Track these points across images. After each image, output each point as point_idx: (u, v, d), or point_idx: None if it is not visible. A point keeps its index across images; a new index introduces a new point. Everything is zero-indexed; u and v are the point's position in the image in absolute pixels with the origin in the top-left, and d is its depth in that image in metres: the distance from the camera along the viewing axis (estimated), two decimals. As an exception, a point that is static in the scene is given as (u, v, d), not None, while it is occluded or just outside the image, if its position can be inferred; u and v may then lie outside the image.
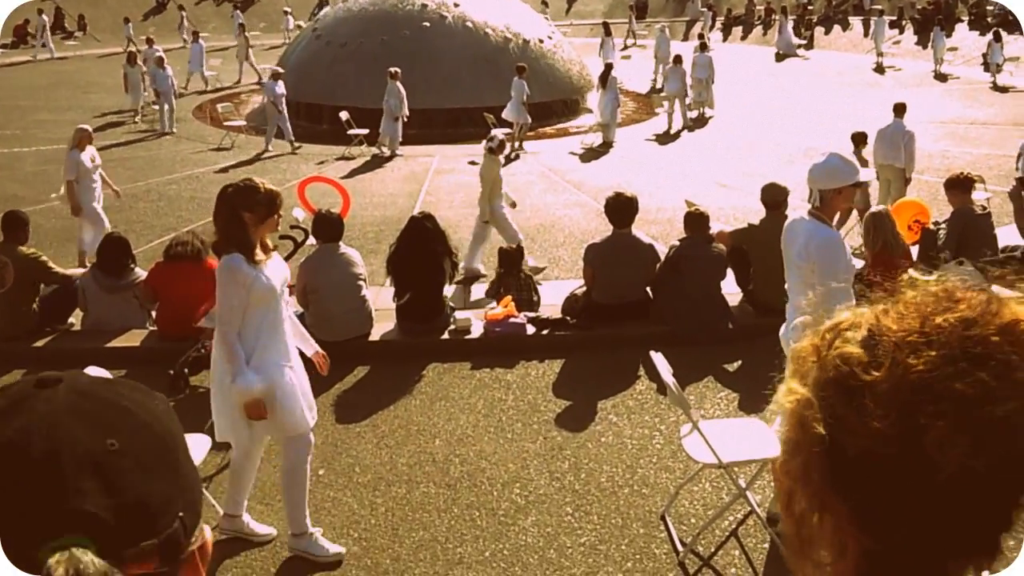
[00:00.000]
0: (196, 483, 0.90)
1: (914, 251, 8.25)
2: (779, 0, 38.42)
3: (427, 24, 19.84)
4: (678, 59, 19.40)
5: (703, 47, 21.15)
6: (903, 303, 0.91)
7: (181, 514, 0.83)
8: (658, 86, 24.27)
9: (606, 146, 17.18)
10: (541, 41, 20.73)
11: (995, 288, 0.94)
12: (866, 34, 32.19)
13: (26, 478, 0.75)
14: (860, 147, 10.66)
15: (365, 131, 16.57)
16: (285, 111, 16.69)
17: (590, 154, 16.64)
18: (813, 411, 0.89)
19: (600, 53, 25.39)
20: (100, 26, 35.70)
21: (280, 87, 16.63)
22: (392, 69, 16.40)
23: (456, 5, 20.50)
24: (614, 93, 17.36)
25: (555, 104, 19.94)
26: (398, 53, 18.74)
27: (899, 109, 11.62)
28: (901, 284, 0.94)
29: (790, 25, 32.33)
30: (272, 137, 16.80)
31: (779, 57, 30.51)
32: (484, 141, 10.06)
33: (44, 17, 30.77)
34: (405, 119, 16.53)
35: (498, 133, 10.45)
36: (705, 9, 36.82)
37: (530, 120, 17.05)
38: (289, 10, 35.30)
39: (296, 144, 16.77)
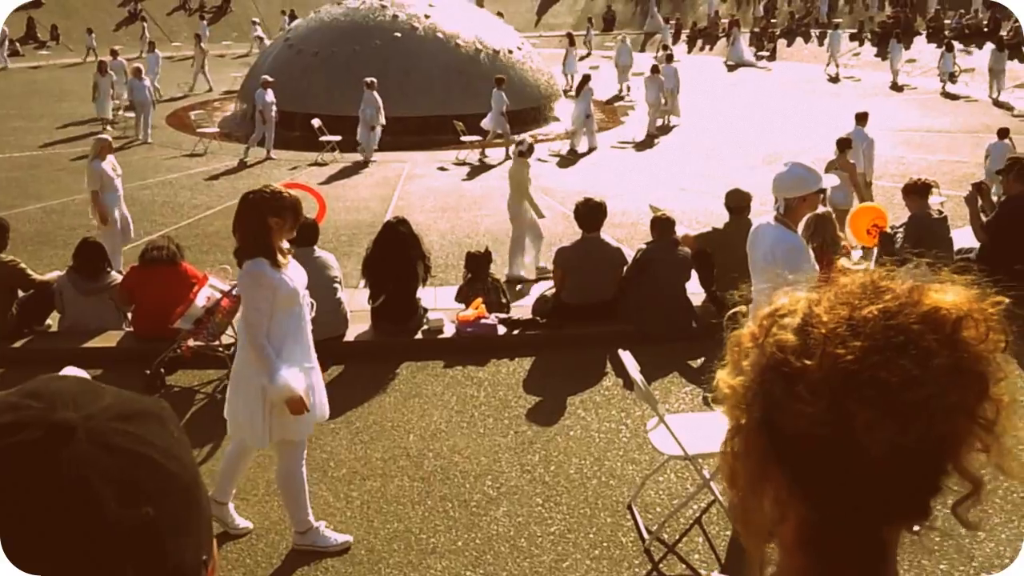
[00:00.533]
0: (210, 514, 0.85)
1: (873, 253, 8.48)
2: (742, 12, 39.02)
3: (398, 34, 19.91)
4: (655, 69, 19.70)
5: (669, 58, 21.44)
6: (834, 291, 0.96)
7: (205, 557, 0.79)
8: (623, 94, 24.60)
9: (573, 153, 17.33)
10: (511, 52, 20.87)
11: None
12: (807, 42, 32.86)
13: (65, 565, 0.69)
14: (845, 152, 10.87)
15: (337, 138, 16.60)
16: (272, 120, 16.52)
17: (558, 161, 16.77)
18: (752, 393, 0.94)
19: (564, 64, 25.59)
20: (73, 36, 35.28)
21: (269, 95, 16.48)
22: (368, 79, 16.43)
23: (427, 16, 20.59)
24: (586, 103, 17.53)
25: (524, 113, 20.02)
26: (370, 62, 18.77)
27: (861, 118, 11.92)
28: (834, 272, 1.00)
29: (744, 38, 32.76)
30: (271, 143, 16.66)
31: (731, 67, 30.93)
32: (514, 145, 10.24)
33: (3, 28, 30.35)
34: (381, 127, 16.54)
35: (527, 137, 10.60)
36: (664, 22, 37.26)
37: (509, 130, 17.15)
38: (257, 20, 35.22)
39: (271, 156, 16.68)
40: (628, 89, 24.45)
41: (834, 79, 28.09)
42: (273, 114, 16.49)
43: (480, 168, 16.17)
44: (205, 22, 35.38)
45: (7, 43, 30.69)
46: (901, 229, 8.62)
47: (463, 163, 16.43)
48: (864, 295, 0.93)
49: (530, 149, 10.16)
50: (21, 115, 21.10)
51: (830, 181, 5.21)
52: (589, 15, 38.79)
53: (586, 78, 18.09)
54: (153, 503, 0.73)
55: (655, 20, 38.48)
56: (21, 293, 7.50)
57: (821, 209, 8.10)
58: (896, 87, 26.09)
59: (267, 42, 27.05)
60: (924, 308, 0.91)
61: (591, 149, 17.48)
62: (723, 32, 36.44)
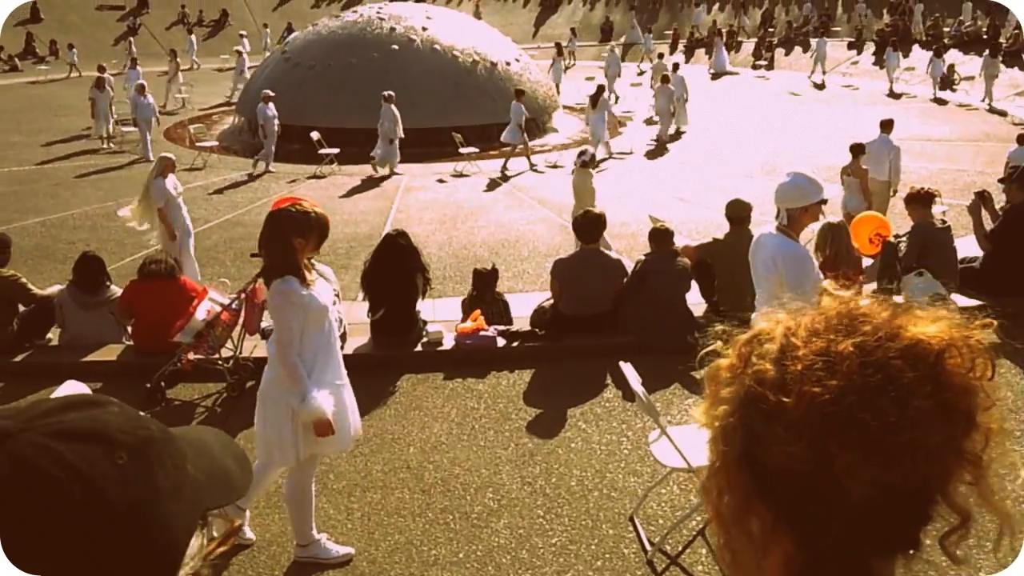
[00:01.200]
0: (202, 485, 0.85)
1: (871, 263, 8.50)
2: (739, 22, 39.20)
3: (395, 47, 20.00)
4: (665, 79, 19.90)
5: (675, 67, 21.74)
6: (812, 318, 0.93)
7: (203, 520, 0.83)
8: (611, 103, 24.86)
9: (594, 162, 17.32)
10: (508, 64, 20.97)
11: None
12: (805, 51, 33.13)
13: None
14: (858, 158, 10.94)
15: (335, 151, 16.66)
16: (274, 134, 16.54)
17: (553, 172, 16.83)
18: (732, 427, 0.92)
19: (550, 72, 25.75)
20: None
21: (271, 109, 16.51)
22: (385, 93, 16.45)
23: (424, 29, 20.70)
24: (603, 113, 17.64)
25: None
26: (367, 75, 18.88)
27: (886, 125, 11.86)
28: (817, 293, 0.98)
29: (748, 45, 33.06)
30: (271, 157, 16.70)
31: (714, 76, 31.11)
32: (576, 155, 10.30)
33: None
34: (400, 139, 16.52)
35: (588, 147, 10.65)
36: (643, 33, 37.59)
37: (528, 142, 17.24)
38: (244, 34, 35.45)
39: (270, 170, 16.69)
40: (616, 99, 24.75)
41: (820, 86, 28.31)
42: (275, 128, 16.51)
43: (479, 180, 16.21)
44: (193, 36, 35.53)
45: None
46: (904, 238, 8.65)
47: (461, 175, 16.48)
48: (840, 327, 0.90)
49: (592, 159, 10.21)
50: (20, 130, 21.19)
51: (831, 191, 5.22)
52: (572, 26, 39.05)
53: (600, 89, 18.23)
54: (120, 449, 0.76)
55: (635, 31, 38.99)
56: (22, 307, 7.53)
57: (835, 219, 8.16)
58: (893, 94, 26.23)
59: (245, 57, 26.98)
60: (904, 341, 0.87)
61: (605, 158, 17.64)
62: (704, 41, 36.70)
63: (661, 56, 27.07)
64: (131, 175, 16.52)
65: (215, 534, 0.87)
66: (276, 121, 16.54)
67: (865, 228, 8.98)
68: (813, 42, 31.67)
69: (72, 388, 4.30)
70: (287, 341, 4.11)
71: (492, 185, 15.77)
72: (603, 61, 27.04)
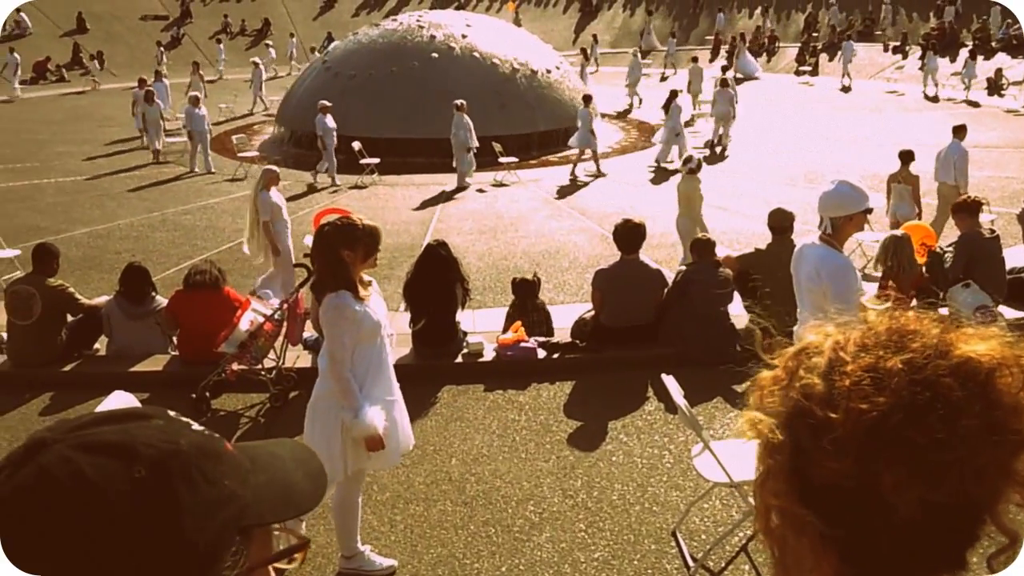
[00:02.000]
0: (226, 494, 0.84)
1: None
2: (782, 27, 38.87)
3: (435, 55, 20.14)
4: (724, 82, 19.83)
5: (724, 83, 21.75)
6: (863, 331, 0.93)
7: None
8: (631, 108, 25.26)
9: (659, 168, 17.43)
10: (548, 71, 21.01)
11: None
12: (807, 55, 32.85)
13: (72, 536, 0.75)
14: (908, 165, 10.85)
15: (376, 160, 16.82)
16: (332, 146, 16.53)
17: (593, 181, 16.82)
18: (779, 440, 0.92)
19: (581, 76, 25.85)
20: (116, 61, 36.24)
21: (329, 121, 16.43)
22: (457, 102, 16.50)
23: (464, 36, 20.81)
24: (676, 120, 17.84)
25: (560, 133, 20.16)
26: (407, 84, 19.03)
27: (958, 130, 11.78)
28: (862, 309, 0.99)
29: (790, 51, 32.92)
30: (334, 168, 16.71)
31: (739, 80, 30.93)
32: (682, 163, 10.30)
33: (16, 56, 31.20)
34: (475, 149, 16.56)
35: (695, 154, 10.67)
36: (657, 41, 37.55)
37: (597, 146, 17.38)
38: (270, 44, 35.89)
39: (334, 185, 16.70)
40: (640, 102, 25.19)
41: (846, 89, 28.07)
42: (334, 139, 16.48)
43: (518, 190, 16.26)
44: (222, 45, 36.00)
45: (18, 71, 31.14)
46: (951, 248, 8.54)
47: (500, 184, 16.54)
48: (890, 343, 0.90)
49: (699, 165, 10.21)
50: (66, 140, 21.69)
51: (876, 200, 5.16)
52: (593, 32, 39.14)
53: (673, 94, 18.28)
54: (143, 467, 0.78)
55: (650, 38, 39.30)
56: (70, 317, 7.71)
57: (898, 231, 8.09)
58: (930, 98, 26.00)
59: (262, 68, 27.30)
60: (954, 359, 0.87)
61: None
62: (761, 47, 36.44)
63: (695, 60, 27.04)
64: (173, 185, 16.85)
65: (280, 547, 0.89)
66: (335, 132, 16.52)
67: (912, 238, 8.88)
68: (841, 46, 31.52)
69: (120, 398, 4.42)
70: (340, 356, 4.13)
71: (562, 191, 15.85)
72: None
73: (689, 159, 10.35)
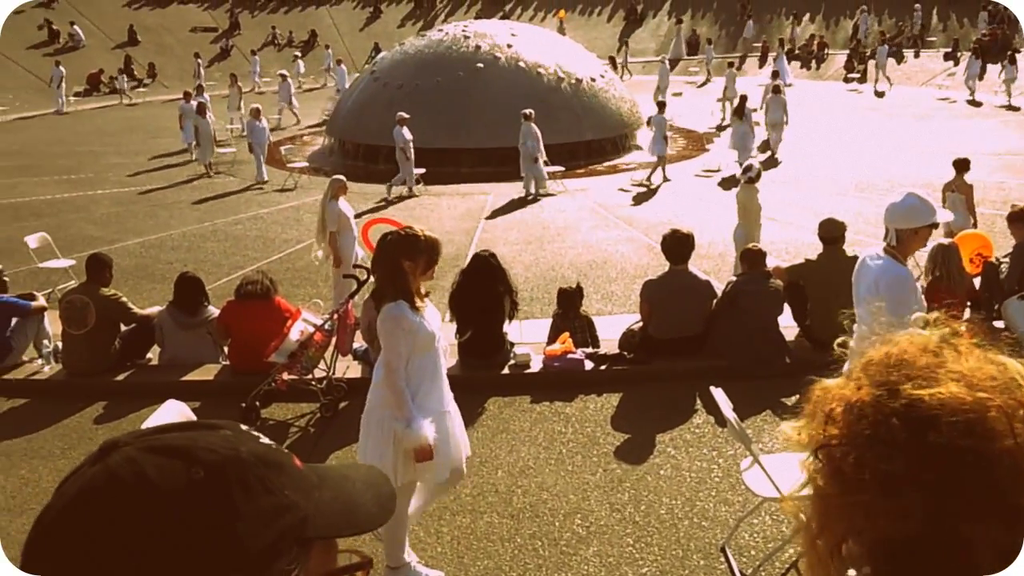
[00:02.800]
0: (277, 503, 0.87)
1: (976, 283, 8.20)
2: (830, 33, 38.42)
3: (481, 65, 20.25)
4: (777, 89, 19.75)
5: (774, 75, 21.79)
6: (867, 359, 0.95)
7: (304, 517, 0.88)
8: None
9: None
10: (593, 80, 20.99)
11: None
12: (899, 63, 32.34)
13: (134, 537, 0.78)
14: (962, 173, 10.67)
15: (422, 170, 16.93)
16: (412, 157, 16.54)
17: (640, 190, 16.77)
18: (842, 456, 0.91)
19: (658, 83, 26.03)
20: (168, 73, 37.04)
21: (407, 132, 16.42)
22: (525, 111, 16.50)
23: (509, 46, 20.88)
24: (749, 124, 17.88)
25: (606, 142, 20.15)
26: (453, 94, 19.16)
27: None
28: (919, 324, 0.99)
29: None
30: (412, 180, 16.74)
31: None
32: (741, 172, 10.30)
33: (61, 69, 31.90)
34: (545, 160, 16.56)
35: (754, 163, 10.64)
36: (686, 49, 37.37)
37: (666, 152, 17.53)
38: (298, 55, 36.30)
39: (416, 191, 16.74)
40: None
41: (880, 95, 27.68)
42: (411, 151, 16.49)
43: (564, 199, 16.26)
44: (257, 56, 36.47)
45: (63, 84, 31.69)
46: (1007, 259, 8.35)
47: (547, 194, 16.55)
48: (877, 373, 0.94)
49: (758, 175, 10.17)
50: (119, 151, 22.21)
51: (944, 216, 5.05)
52: (625, 40, 39.11)
53: (744, 99, 18.40)
54: (202, 468, 0.81)
55: (679, 47, 39.26)
56: (123, 327, 7.88)
57: (946, 240, 7.94)
58: (973, 103, 25.67)
59: (290, 81, 27.42)
60: (902, 401, 0.90)
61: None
62: (810, 54, 36.05)
63: (731, 65, 27.02)
64: (225, 195, 17.13)
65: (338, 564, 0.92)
66: (412, 143, 16.51)
67: (966, 247, 8.70)
68: (876, 51, 31.18)
69: (173, 407, 4.51)
70: (395, 365, 4.17)
71: (639, 197, 15.85)
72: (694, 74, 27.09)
73: (749, 168, 10.25)
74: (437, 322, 4.38)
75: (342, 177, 10.02)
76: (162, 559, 0.77)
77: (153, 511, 0.78)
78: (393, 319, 4.16)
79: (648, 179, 17.08)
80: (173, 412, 4.35)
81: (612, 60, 29.42)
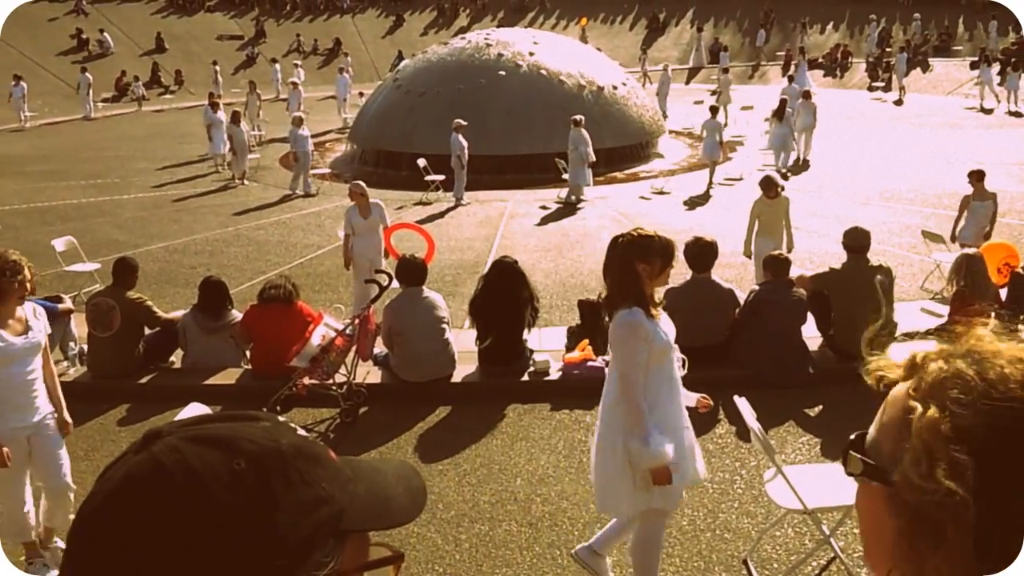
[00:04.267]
0: (317, 495, 0.87)
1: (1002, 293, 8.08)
2: (855, 42, 38.17)
3: (503, 73, 20.25)
4: (807, 94, 19.74)
5: (807, 94, 21.50)
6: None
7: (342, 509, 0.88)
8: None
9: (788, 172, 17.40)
10: (615, 88, 20.95)
11: None
12: (924, 71, 32.13)
13: (181, 528, 0.78)
14: (982, 182, 10.62)
15: (441, 177, 16.95)
16: (465, 165, 16.41)
17: (661, 199, 16.68)
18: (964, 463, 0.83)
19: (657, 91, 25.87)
20: (194, 80, 37.34)
21: (463, 139, 16.24)
22: (575, 117, 16.52)
23: (531, 54, 20.89)
24: (789, 127, 18.06)
25: (627, 149, 20.07)
26: (474, 101, 19.17)
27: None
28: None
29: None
30: (463, 188, 16.60)
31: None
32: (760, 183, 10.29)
33: (88, 76, 32.19)
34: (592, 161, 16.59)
35: (774, 175, 10.51)
36: (706, 57, 37.19)
37: (719, 157, 17.68)
38: (299, 63, 36.28)
39: (464, 201, 16.58)
40: (665, 117, 24.88)
41: (898, 103, 27.45)
42: (466, 158, 16.37)
43: (582, 207, 16.20)
44: (278, 65, 36.60)
45: (90, 91, 31.96)
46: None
47: (565, 202, 16.51)
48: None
49: (768, 183, 10.06)
50: (145, 157, 22.38)
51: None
52: (645, 47, 38.99)
53: (783, 102, 18.63)
54: (244, 459, 0.81)
55: (699, 55, 39.08)
56: (147, 330, 7.91)
57: (971, 250, 7.83)
58: (984, 110, 25.50)
59: (301, 89, 27.17)
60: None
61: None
62: (834, 63, 35.83)
63: (725, 71, 27.50)
64: (247, 201, 17.21)
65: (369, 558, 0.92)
66: (466, 151, 16.35)
67: (994, 257, 8.59)
68: (894, 59, 31.00)
69: (196, 410, 4.51)
70: (633, 377, 3.87)
71: (596, 212, 15.75)
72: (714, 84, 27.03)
73: (767, 179, 10.16)
74: (672, 330, 4.08)
75: (360, 182, 10.18)
76: (203, 548, 0.78)
77: (195, 500, 0.79)
78: (629, 326, 3.87)
79: (710, 183, 17.17)
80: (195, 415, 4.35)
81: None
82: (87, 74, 32.02)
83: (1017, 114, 25.60)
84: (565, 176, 16.92)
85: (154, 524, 0.78)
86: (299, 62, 36.58)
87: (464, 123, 16.45)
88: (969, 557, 0.83)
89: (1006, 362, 0.86)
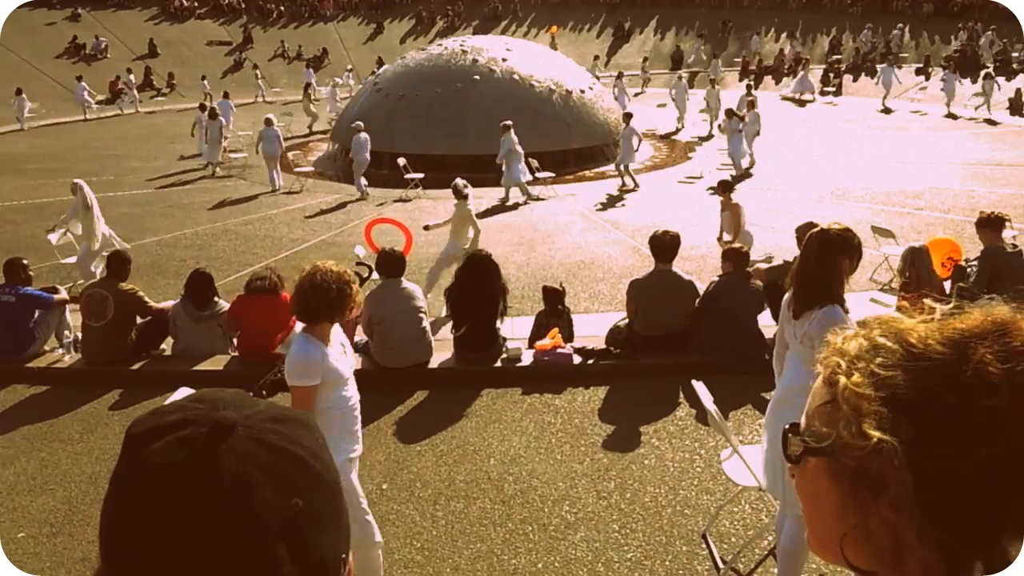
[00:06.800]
0: (347, 515, 0.86)
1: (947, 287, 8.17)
2: (807, 50, 38.42)
3: (477, 77, 20.18)
4: (753, 104, 19.92)
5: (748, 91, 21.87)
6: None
7: (344, 555, 0.82)
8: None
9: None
10: (583, 92, 20.93)
11: None
12: (872, 77, 32.37)
13: (220, 546, 0.73)
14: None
15: (420, 175, 16.85)
16: (522, 160, 16.33)
17: (626, 196, 16.70)
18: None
19: (615, 96, 25.59)
20: (185, 84, 36.83)
21: (514, 136, 16.19)
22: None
23: (504, 60, 20.82)
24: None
25: (594, 149, 20.06)
26: (451, 104, 19.07)
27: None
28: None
29: (813, 74, 32.40)
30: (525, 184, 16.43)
31: (803, 103, 30.49)
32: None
33: (84, 85, 31.76)
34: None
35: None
36: (715, 59, 37.13)
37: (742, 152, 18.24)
38: (351, 68, 36.05)
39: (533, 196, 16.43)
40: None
41: (887, 111, 27.57)
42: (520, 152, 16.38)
43: (554, 203, 16.18)
44: (257, 70, 36.16)
45: (86, 96, 31.58)
46: (975, 263, 8.31)
47: (537, 199, 16.48)
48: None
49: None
50: (138, 156, 22.06)
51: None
52: (645, 55, 38.85)
53: (752, 104, 19.78)
54: (302, 496, 0.76)
55: (698, 55, 38.94)
56: (139, 319, 7.81)
57: (917, 243, 7.89)
58: (950, 116, 25.64)
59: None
60: None
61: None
62: (788, 68, 36.00)
63: (681, 79, 27.41)
64: (234, 198, 17.01)
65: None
66: (519, 145, 16.27)
67: (937, 252, 8.67)
68: (879, 68, 31.02)
69: (185, 395, 4.43)
70: None
71: (566, 208, 15.72)
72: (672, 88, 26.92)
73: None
74: None
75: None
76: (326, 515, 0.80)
77: (324, 469, 0.81)
78: (835, 324, 3.51)
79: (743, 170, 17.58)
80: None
81: (620, 73, 28.95)
82: (83, 83, 31.68)
83: (954, 116, 25.91)
84: (538, 175, 16.89)
85: (177, 525, 0.75)
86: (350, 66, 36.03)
87: (511, 123, 16.45)
88: (913, 504, 0.85)
89: (922, 330, 0.91)
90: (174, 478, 0.74)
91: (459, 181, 10.49)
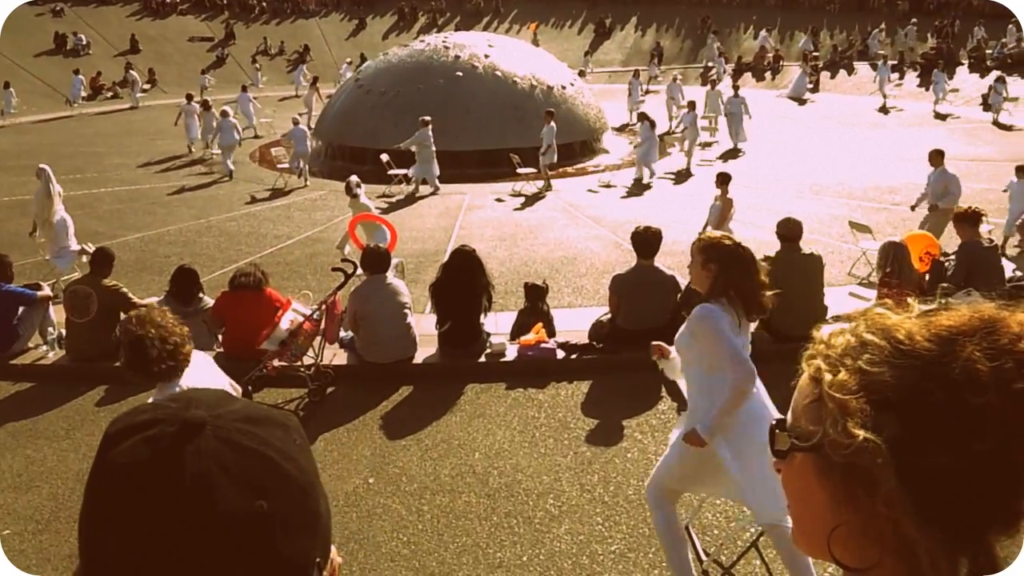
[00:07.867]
0: (329, 520, 0.85)
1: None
2: (786, 47, 38.58)
3: (460, 74, 20.12)
4: (692, 105, 19.78)
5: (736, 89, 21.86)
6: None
7: (319, 559, 0.81)
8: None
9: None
10: (563, 88, 20.93)
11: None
12: (849, 74, 32.46)
13: (181, 546, 0.72)
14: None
15: (403, 171, 16.81)
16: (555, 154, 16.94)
17: (607, 191, 16.73)
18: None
19: (628, 98, 25.70)
20: (167, 80, 36.50)
21: (554, 126, 16.88)
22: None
23: (487, 56, 20.77)
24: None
25: (575, 145, 20.07)
26: (433, 100, 19.01)
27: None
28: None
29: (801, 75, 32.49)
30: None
31: (803, 102, 30.54)
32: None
33: (80, 77, 31.50)
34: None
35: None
36: (717, 54, 37.06)
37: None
38: (350, 60, 35.50)
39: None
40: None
41: (883, 109, 27.66)
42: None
43: (535, 199, 16.19)
44: (303, 65, 35.86)
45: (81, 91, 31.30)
46: (952, 257, 8.40)
47: (519, 194, 16.48)
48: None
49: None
50: (120, 153, 21.83)
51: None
52: (639, 51, 38.86)
53: (692, 104, 19.64)
54: (267, 498, 0.75)
55: (708, 50, 38.51)
56: (123, 315, 7.72)
57: (896, 238, 7.94)
58: (939, 115, 25.64)
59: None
60: None
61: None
62: (767, 65, 36.13)
63: (636, 75, 27.45)
64: (218, 194, 16.89)
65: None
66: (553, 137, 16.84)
67: (915, 247, 8.74)
68: (858, 65, 31.18)
69: (200, 357, 4.35)
70: None
71: (549, 204, 15.73)
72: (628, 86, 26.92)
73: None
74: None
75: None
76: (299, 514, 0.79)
77: (296, 472, 0.80)
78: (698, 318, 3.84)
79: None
80: (200, 359, 4.20)
81: (636, 71, 28.88)
82: (80, 76, 31.41)
83: (943, 115, 26.09)
84: (520, 171, 16.90)
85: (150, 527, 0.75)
86: (305, 67, 35.79)
87: (552, 110, 17.28)
88: (907, 499, 0.85)
89: (909, 326, 0.90)
90: (136, 477, 0.74)
91: (353, 178, 10.53)
